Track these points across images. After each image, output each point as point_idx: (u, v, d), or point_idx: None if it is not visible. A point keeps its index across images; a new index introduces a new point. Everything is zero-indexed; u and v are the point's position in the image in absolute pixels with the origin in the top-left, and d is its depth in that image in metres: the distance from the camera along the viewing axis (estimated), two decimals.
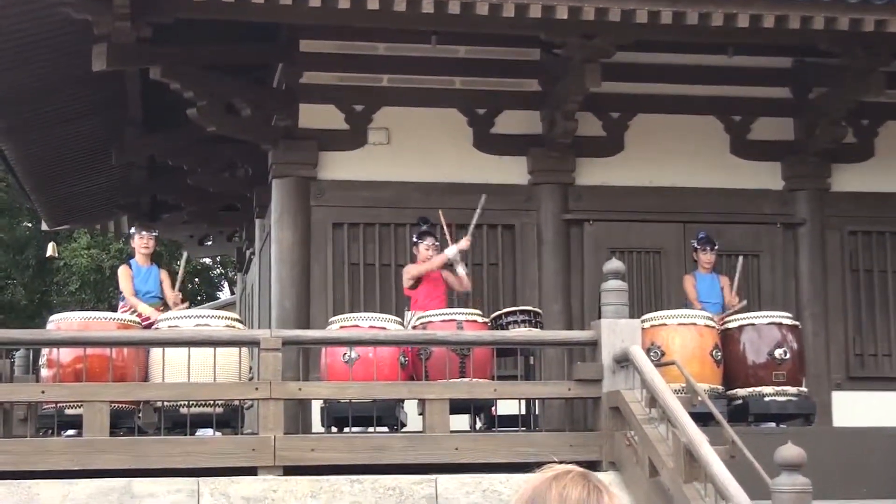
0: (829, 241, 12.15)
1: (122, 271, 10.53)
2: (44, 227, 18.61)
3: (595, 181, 11.89)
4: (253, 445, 8.43)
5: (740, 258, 11.18)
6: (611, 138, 12.03)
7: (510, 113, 11.90)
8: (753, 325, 10.15)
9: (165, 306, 10.28)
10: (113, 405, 8.54)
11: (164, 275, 10.56)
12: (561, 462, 2.60)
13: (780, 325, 10.18)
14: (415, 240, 10.63)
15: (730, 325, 10.24)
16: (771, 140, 12.25)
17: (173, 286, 10.48)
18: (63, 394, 8.60)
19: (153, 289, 10.38)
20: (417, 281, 10.37)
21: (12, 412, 9.28)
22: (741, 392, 10.01)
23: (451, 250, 10.39)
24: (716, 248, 11.04)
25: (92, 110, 13.26)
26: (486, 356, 9.41)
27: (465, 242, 10.46)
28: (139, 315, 9.98)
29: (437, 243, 10.54)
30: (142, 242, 10.51)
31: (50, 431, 8.96)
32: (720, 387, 9.87)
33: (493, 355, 9.46)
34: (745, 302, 10.90)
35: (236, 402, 8.99)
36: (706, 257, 10.97)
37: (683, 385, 8.56)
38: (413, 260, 10.70)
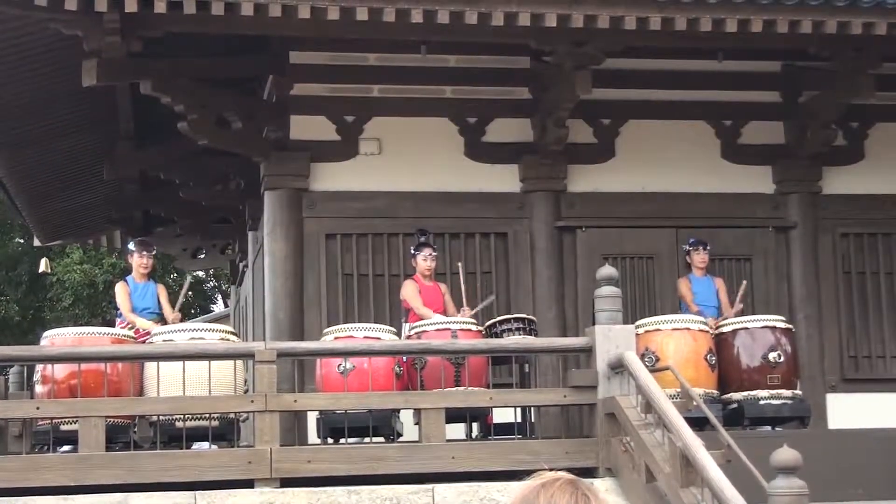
0: (821, 243, 12.18)
1: (120, 288, 10.46)
2: (36, 242, 18.57)
3: (587, 188, 11.91)
4: (249, 458, 8.42)
5: (744, 282, 11.12)
6: (602, 145, 12.05)
7: (501, 121, 11.91)
8: (747, 328, 10.17)
9: (163, 321, 10.25)
10: (108, 420, 8.53)
11: (160, 289, 10.52)
12: (556, 469, 2.60)
13: (773, 328, 10.20)
14: (412, 251, 10.61)
15: (724, 329, 10.26)
16: (762, 144, 12.27)
17: (173, 305, 10.42)
18: (58, 410, 8.59)
19: (150, 305, 10.35)
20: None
21: (7, 429, 9.27)
22: (736, 396, 10.02)
23: (439, 317, 9.93)
24: (708, 248, 11.07)
25: (83, 125, 13.25)
26: (481, 365, 9.41)
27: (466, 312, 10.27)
28: (136, 331, 9.94)
29: (434, 254, 10.52)
30: (141, 262, 10.39)
31: (45, 448, 8.94)
32: (715, 391, 9.89)
33: (488, 363, 9.46)
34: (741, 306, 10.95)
35: (232, 415, 8.98)
36: (700, 257, 10.99)
37: (678, 390, 8.58)
38: (411, 272, 10.68)
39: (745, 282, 11.13)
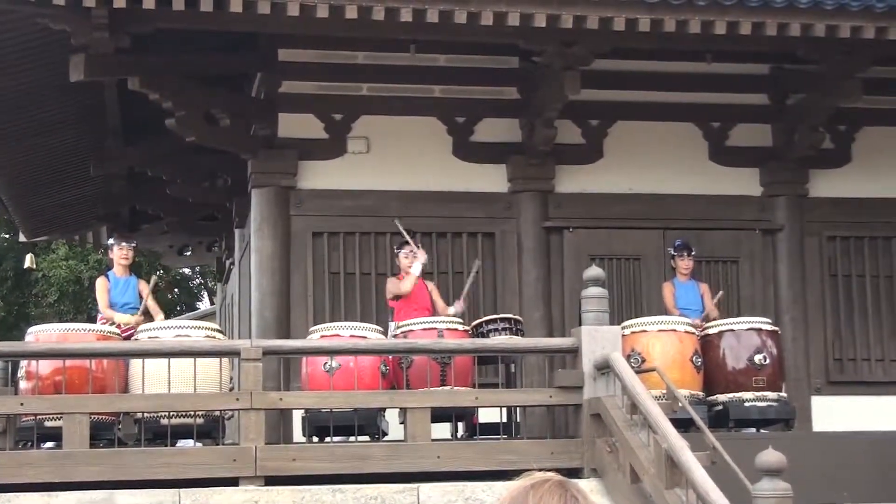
0: (807, 246, 12.21)
1: (100, 283, 10.51)
2: (21, 238, 18.50)
3: (574, 188, 11.91)
4: (234, 456, 8.41)
5: (720, 292, 11.12)
6: (590, 146, 12.06)
7: (489, 121, 11.92)
8: (733, 330, 10.19)
9: (147, 316, 10.24)
10: (93, 417, 8.50)
11: (142, 285, 10.50)
12: (542, 469, 2.59)
13: (759, 330, 10.21)
14: (396, 249, 10.72)
15: (709, 331, 10.28)
16: (749, 146, 12.29)
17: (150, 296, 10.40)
18: (42, 406, 8.56)
19: (131, 300, 10.34)
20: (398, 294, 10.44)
21: None
22: (721, 398, 10.04)
23: (417, 268, 10.41)
24: (693, 253, 11.08)
25: (70, 121, 13.20)
26: (467, 364, 9.41)
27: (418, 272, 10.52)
28: (119, 326, 9.93)
29: (413, 250, 10.56)
30: (121, 254, 10.47)
31: (29, 444, 8.90)
32: (700, 393, 9.90)
33: (474, 363, 9.46)
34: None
35: (217, 413, 8.97)
36: (684, 263, 11.02)
37: (664, 391, 8.59)
38: (396, 270, 10.70)
39: (721, 292, 11.15)
